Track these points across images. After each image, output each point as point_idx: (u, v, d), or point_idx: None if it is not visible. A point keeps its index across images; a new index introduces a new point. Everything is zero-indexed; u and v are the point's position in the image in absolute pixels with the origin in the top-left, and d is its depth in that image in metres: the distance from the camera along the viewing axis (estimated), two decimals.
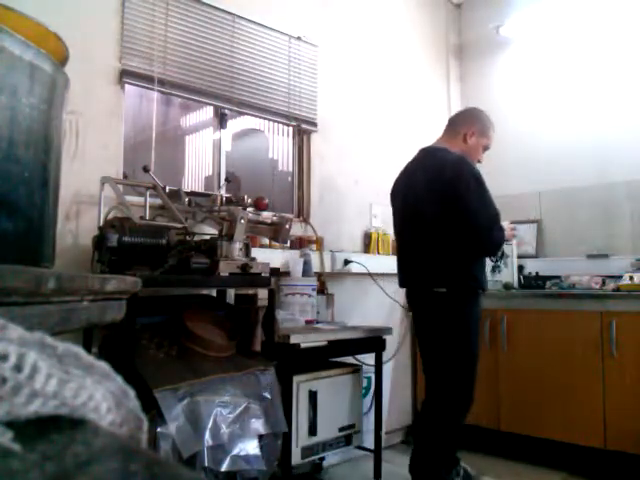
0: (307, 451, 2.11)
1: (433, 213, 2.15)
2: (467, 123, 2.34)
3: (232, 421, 1.69)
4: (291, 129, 2.99)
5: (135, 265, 1.81)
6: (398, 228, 2.40)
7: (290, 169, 3.03)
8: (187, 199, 2.16)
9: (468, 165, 2.15)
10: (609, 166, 3.20)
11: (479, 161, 2.35)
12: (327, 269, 2.84)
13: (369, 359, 2.59)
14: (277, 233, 2.11)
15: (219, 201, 2.27)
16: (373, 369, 2.47)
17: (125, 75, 2.23)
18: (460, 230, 2.12)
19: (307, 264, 2.57)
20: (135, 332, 1.77)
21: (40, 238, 0.81)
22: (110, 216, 1.96)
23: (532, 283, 3.26)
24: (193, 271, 1.84)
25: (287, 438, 1.94)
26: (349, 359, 2.50)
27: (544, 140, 3.49)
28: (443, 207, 2.12)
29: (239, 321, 2.10)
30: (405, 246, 2.35)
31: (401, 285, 2.41)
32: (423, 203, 2.19)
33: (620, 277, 2.81)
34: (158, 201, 2.09)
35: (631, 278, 2.72)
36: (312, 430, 2.11)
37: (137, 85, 2.31)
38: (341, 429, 2.25)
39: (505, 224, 2.23)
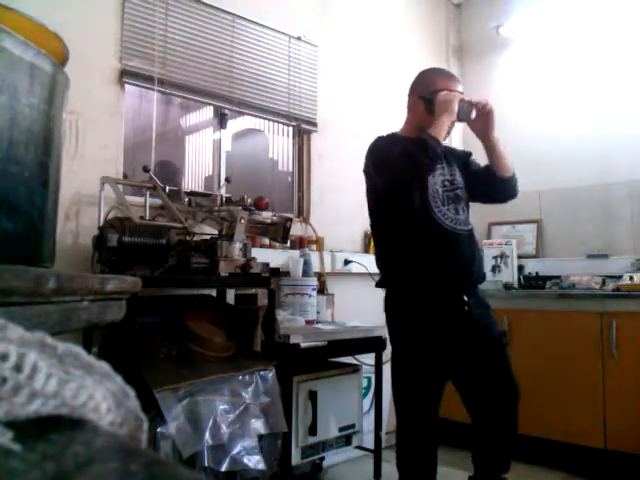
0: (307, 451, 2.10)
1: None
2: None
3: (232, 421, 1.69)
4: (291, 129, 2.99)
5: (135, 265, 1.81)
6: None
7: (290, 169, 3.02)
8: (187, 199, 2.16)
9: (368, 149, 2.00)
10: (609, 166, 3.20)
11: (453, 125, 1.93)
12: (327, 269, 2.84)
13: (369, 359, 2.59)
14: (277, 233, 2.11)
15: (219, 201, 2.27)
16: (373, 369, 2.47)
17: (125, 75, 2.23)
18: (376, 212, 2.00)
19: (307, 264, 2.57)
20: (135, 332, 1.77)
21: (40, 238, 0.81)
22: (110, 216, 1.96)
23: (532, 283, 3.25)
24: (193, 271, 1.84)
25: (287, 438, 1.94)
26: (349, 359, 2.50)
27: (544, 140, 3.48)
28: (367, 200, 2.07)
29: (239, 321, 2.10)
30: None
31: None
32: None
33: (620, 277, 2.81)
34: (158, 201, 2.09)
35: (631, 278, 2.71)
36: (312, 430, 2.10)
37: (137, 85, 2.31)
38: (341, 429, 2.25)
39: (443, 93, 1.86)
